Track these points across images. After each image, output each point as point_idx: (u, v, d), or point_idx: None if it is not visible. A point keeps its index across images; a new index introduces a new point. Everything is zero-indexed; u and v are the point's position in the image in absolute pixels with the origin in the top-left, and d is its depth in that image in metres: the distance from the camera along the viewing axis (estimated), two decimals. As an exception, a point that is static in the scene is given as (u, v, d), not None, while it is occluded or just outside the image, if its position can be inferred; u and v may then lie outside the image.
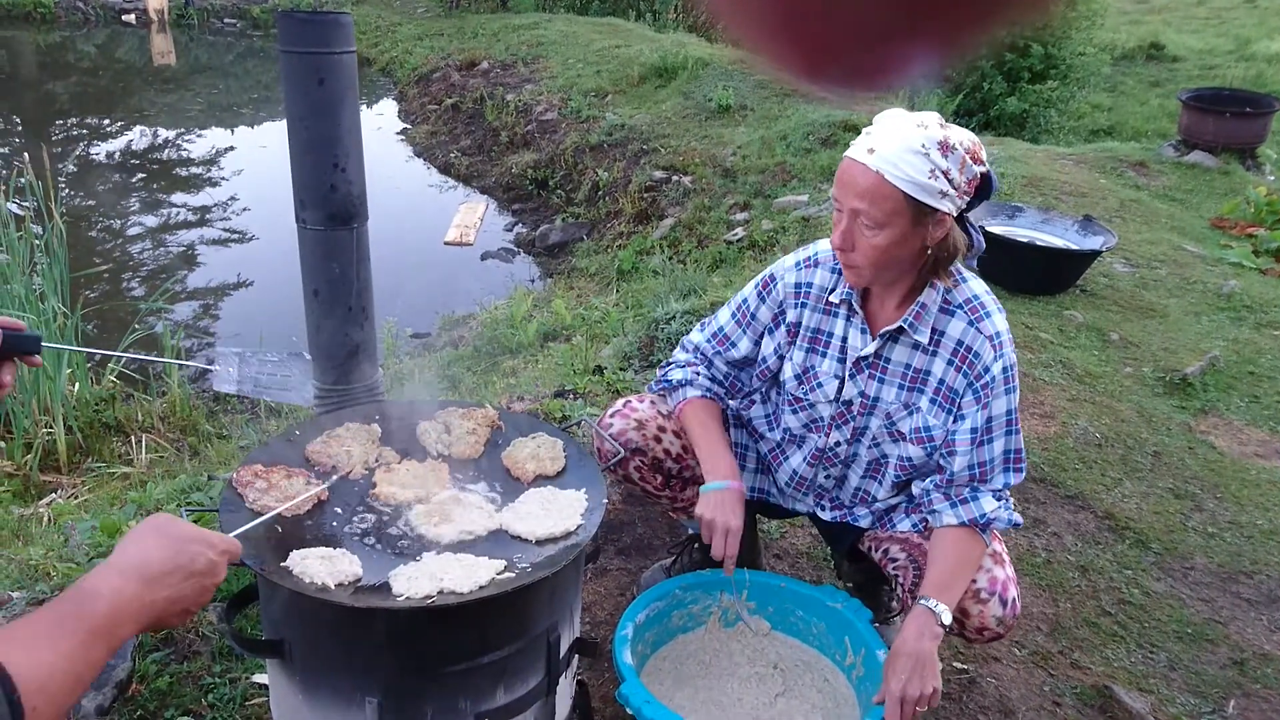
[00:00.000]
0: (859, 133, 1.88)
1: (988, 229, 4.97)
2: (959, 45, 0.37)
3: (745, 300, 2.17)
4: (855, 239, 1.85)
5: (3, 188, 4.86)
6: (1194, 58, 13.68)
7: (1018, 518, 2.01)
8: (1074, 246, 5.05)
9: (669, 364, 2.27)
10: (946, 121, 1.84)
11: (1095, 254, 4.98)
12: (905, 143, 1.76)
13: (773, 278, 2.14)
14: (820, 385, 2.09)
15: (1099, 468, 3.48)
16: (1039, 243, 5.03)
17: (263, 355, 1.64)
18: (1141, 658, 2.59)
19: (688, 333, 2.31)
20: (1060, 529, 3.10)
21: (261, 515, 1.57)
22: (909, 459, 2.06)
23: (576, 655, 1.77)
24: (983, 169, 1.83)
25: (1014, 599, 1.97)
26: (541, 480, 1.80)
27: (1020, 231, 5.14)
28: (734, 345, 2.18)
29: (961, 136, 1.80)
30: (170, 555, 1.19)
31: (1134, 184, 7.13)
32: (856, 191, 1.80)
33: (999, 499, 1.98)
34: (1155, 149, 7.83)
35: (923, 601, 1.89)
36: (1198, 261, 5.70)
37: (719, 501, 2.02)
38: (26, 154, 5.08)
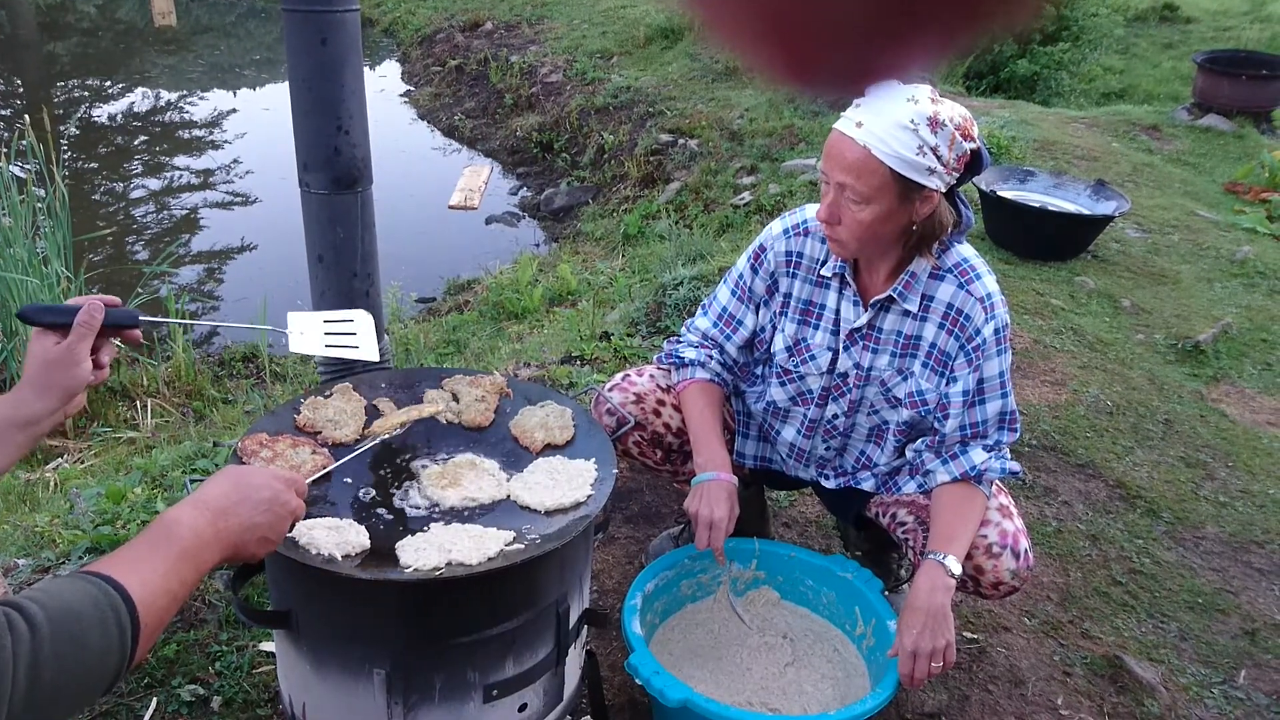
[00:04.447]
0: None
1: (999, 193, 4.91)
2: (949, 46, 0.36)
3: (741, 275, 2.15)
4: (841, 213, 1.84)
5: (4, 150, 4.81)
6: (1208, 19, 13.45)
7: (1014, 465, 2.00)
8: (1086, 212, 4.98)
9: (679, 341, 2.24)
10: (947, 91, 1.80)
11: (1108, 219, 4.92)
12: (894, 117, 1.73)
13: (763, 248, 2.11)
14: (813, 358, 2.07)
15: (1110, 436, 3.45)
16: (1050, 208, 4.96)
17: (330, 316, 1.65)
18: (1152, 627, 2.57)
19: (696, 299, 2.28)
20: (1071, 498, 3.08)
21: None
22: (907, 423, 2.06)
23: (586, 626, 1.75)
24: (973, 145, 1.79)
25: (1026, 550, 1.96)
26: (550, 450, 1.77)
27: (1032, 196, 5.07)
28: (740, 323, 2.15)
29: (952, 112, 1.77)
30: (236, 488, 1.28)
31: (1147, 148, 7.04)
32: (843, 165, 1.78)
33: (989, 450, 1.97)
34: (1169, 112, 7.72)
35: (930, 556, 1.88)
36: (1211, 227, 5.63)
37: (705, 494, 2.00)
38: (28, 116, 5.03)
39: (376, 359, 1.67)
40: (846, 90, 0.40)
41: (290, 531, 1.37)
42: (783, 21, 0.36)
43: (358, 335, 1.66)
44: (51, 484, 3.40)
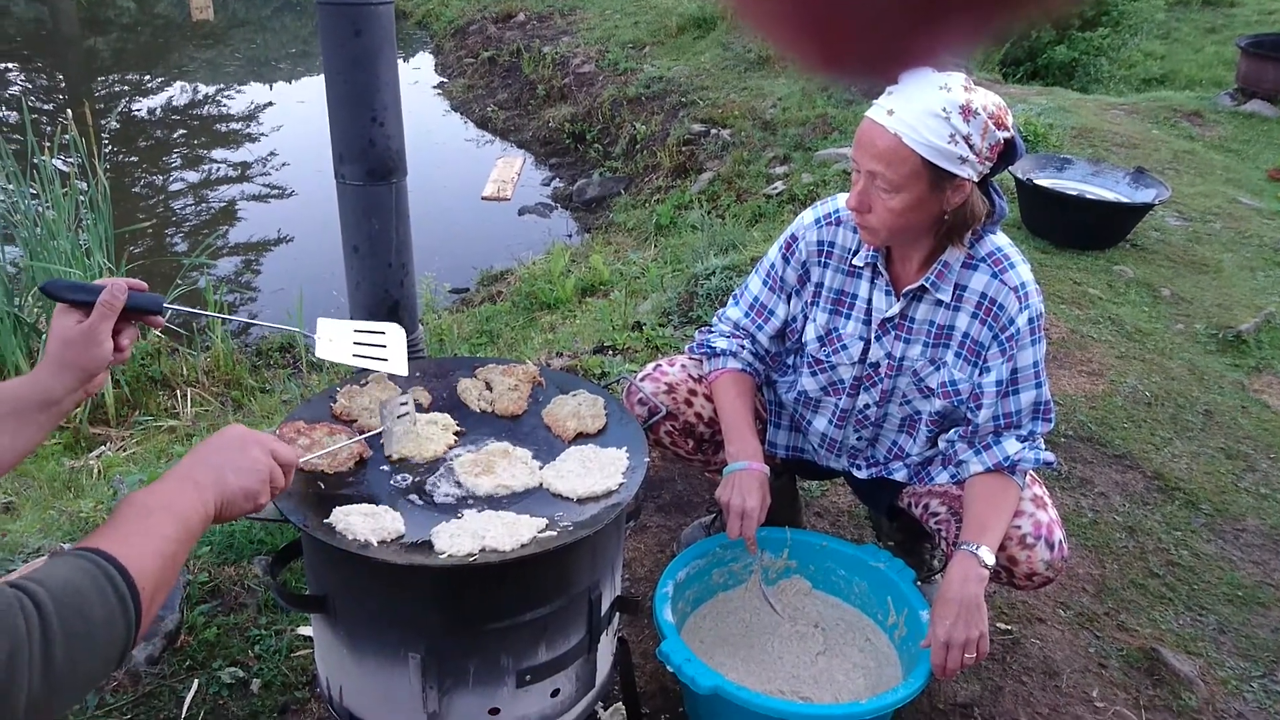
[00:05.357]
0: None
1: (1035, 182, 4.85)
2: (982, 32, 0.35)
3: (772, 265, 2.14)
4: (871, 201, 1.83)
5: (48, 144, 4.90)
6: (1252, 2, 13.16)
7: (1048, 456, 1.98)
8: (1125, 199, 4.91)
9: (710, 330, 2.24)
10: (983, 78, 1.79)
11: (1147, 207, 4.84)
12: (926, 105, 1.72)
13: (794, 237, 2.10)
14: (845, 347, 2.07)
15: (1148, 427, 3.40)
16: (1088, 196, 4.89)
17: (360, 325, 1.66)
18: (1190, 620, 2.54)
19: (728, 288, 2.28)
20: (1107, 489, 3.05)
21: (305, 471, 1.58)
22: (939, 413, 2.05)
23: (617, 613, 1.76)
24: (1007, 134, 1.77)
25: (1060, 541, 1.95)
26: (582, 438, 1.78)
27: (1069, 184, 5.00)
28: (772, 313, 2.15)
29: (986, 100, 1.75)
30: (193, 454, 1.28)
31: (1188, 135, 6.91)
32: (874, 153, 1.77)
33: (1023, 441, 1.95)
34: (1211, 98, 7.57)
35: (963, 546, 1.88)
36: (1254, 215, 5.53)
37: (737, 483, 2.00)
38: (70, 111, 5.11)
39: (404, 373, 1.68)
40: (878, 77, 0.40)
41: (274, 493, 1.34)
42: (813, 8, 0.36)
43: (387, 349, 1.66)
44: (95, 471, 3.47)
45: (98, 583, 1.02)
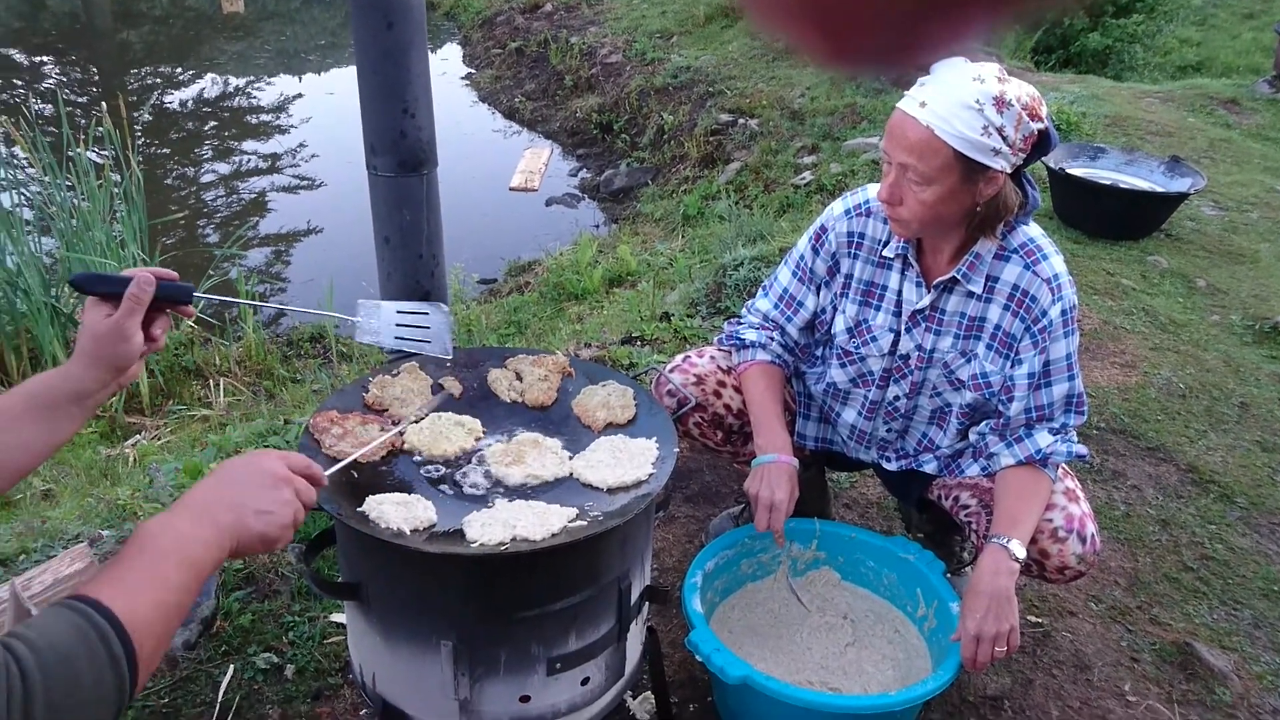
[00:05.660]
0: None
1: (1068, 171, 4.80)
2: (998, 21, 0.35)
3: (802, 256, 2.13)
4: (903, 193, 1.81)
5: (83, 137, 4.96)
6: (1292, -13, 12.92)
7: (1080, 449, 1.96)
8: (1159, 189, 4.84)
9: (739, 321, 2.24)
10: (1015, 67, 1.77)
11: (1182, 197, 4.78)
12: (959, 97, 1.70)
13: (824, 229, 2.09)
14: (874, 339, 2.05)
15: (1182, 419, 3.36)
16: (1122, 185, 4.83)
17: (403, 307, 1.61)
18: (1224, 615, 2.52)
19: (756, 279, 2.28)
20: (1140, 482, 3.02)
21: (337, 460, 1.59)
22: (970, 405, 2.04)
23: (647, 602, 1.77)
24: (1041, 126, 1.75)
25: (1093, 535, 1.93)
26: (612, 429, 1.79)
27: (1102, 173, 4.94)
28: (801, 305, 2.14)
29: (1020, 91, 1.72)
30: (217, 481, 1.22)
31: (1224, 122, 6.80)
32: (905, 145, 1.75)
33: (1055, 434, 1.94)
34: (1248, 85, 7.45)
35: (994, 539, 1.86)
36: (1292, 204, 5.44)
37: (766, 476, 2.00)
38: (104, 103, 5.18)
39: (449, 355, 1.63)
40: (892, 69, 0.40)
41: (295, 523, 1.26)
42: (823, 1, 0.35)
43: (431, 330, 1.61)
44: (130, 459, 3.53)
45: (90, 644, 0.95)
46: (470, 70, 10.87)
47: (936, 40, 0.36)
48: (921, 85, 1.77)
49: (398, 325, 1.60)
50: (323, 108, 9.54)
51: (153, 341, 1.39)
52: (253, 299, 5.14)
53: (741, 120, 7.29)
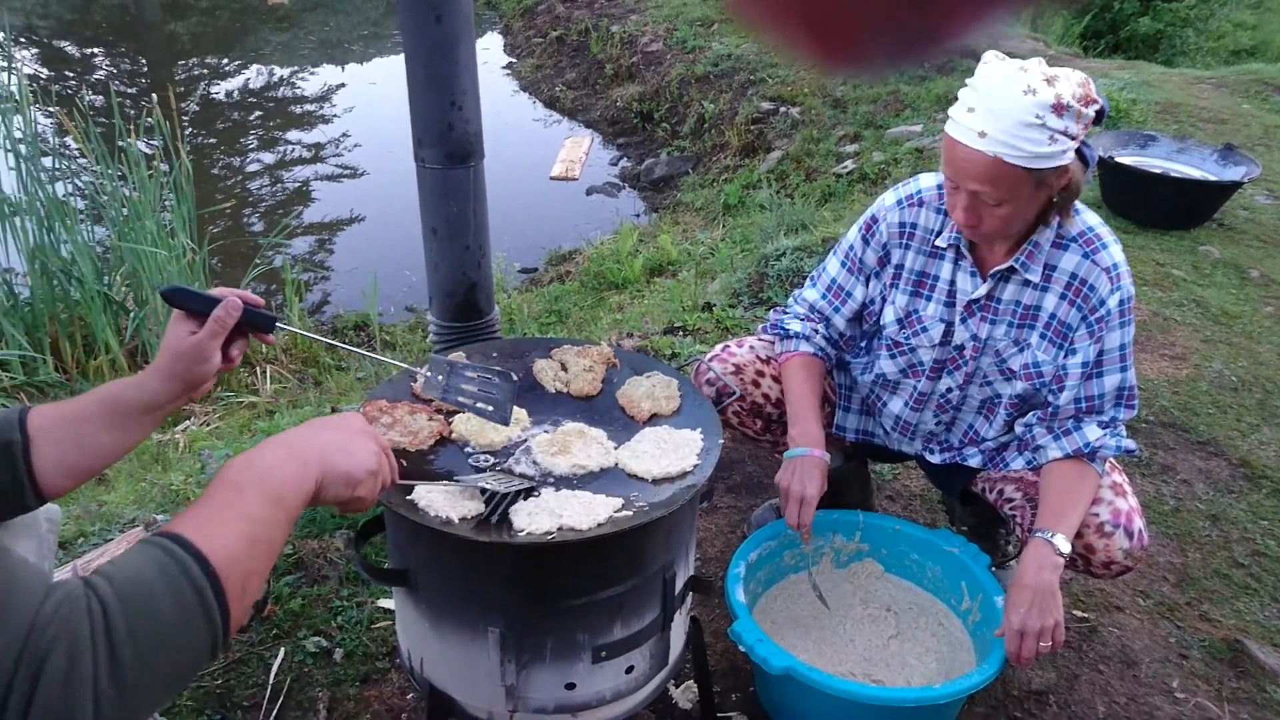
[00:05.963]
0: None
1: (1117, 160, 4.71)
2: (998, 15, 0.34)
3: (851, 246, 2.12)
4: (980, 215, 1.81)
5: (133, 128, 5.05)
6: (1352, -32, 12.55)
7: (1129, 444, 1.93)
8: (1211, 177, 4.74)
9: (785, 311, 2.23)
10: (1063, 52, 1.75)
11: (1235, 185, 4.67)
12: (1016, 117, 1.67)
13: (875, 219, 2.08)
14: (925, 329, 2.04)
15: (1234, 413, 3.30)
16: (1173, 174, 4.74)
17: (473, 369, 1.64)
18: (1276, 611, 2.47)
19: (798, 270, 2.27)
20: (1190, 476, 2.97)
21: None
22: (1020, 396, 2.02)
23: (690, 592, 1.78)
24: (1097, 106, 1.73)
25: (1140, 530, 1.90)
26: (656, 419, 1.80)
27: (1153, 162, 4.85)
28: (850, 295, 2.13)
29: (1070, 86, 1.69)
30: (307, 425, 1.25)
31: (1280, 109, 6.64)
32: (974, 175, 1.75)
33: (1104, 427, 1.91)
34: (1305, 70, 7.26)
35: (1038, 534, 1.85)
36: (1350, 192, 5.30)
37: (798, 469, 2.00)
38: (154, 94, 5.26)
39: (506, 426, 1.63)
40: (893, 70, 0.40)
41: (377, 490, 1.29)
42: (816, 6, 0.35)
43: (495, 397, 1.59)
44: (181, 445, 3.60)
45: (170, 577, 0.94)
46: (511, 59, 10.90)
47: (936, 40, 0.35)
48: (971, 110, 1.73)
49: (464, 386, 1.62)
50: (365, 98, 9.62)
51: (229, 361, 1.42)
52: (296, 287, 5.20)
53: (783, 108, 7.24)
